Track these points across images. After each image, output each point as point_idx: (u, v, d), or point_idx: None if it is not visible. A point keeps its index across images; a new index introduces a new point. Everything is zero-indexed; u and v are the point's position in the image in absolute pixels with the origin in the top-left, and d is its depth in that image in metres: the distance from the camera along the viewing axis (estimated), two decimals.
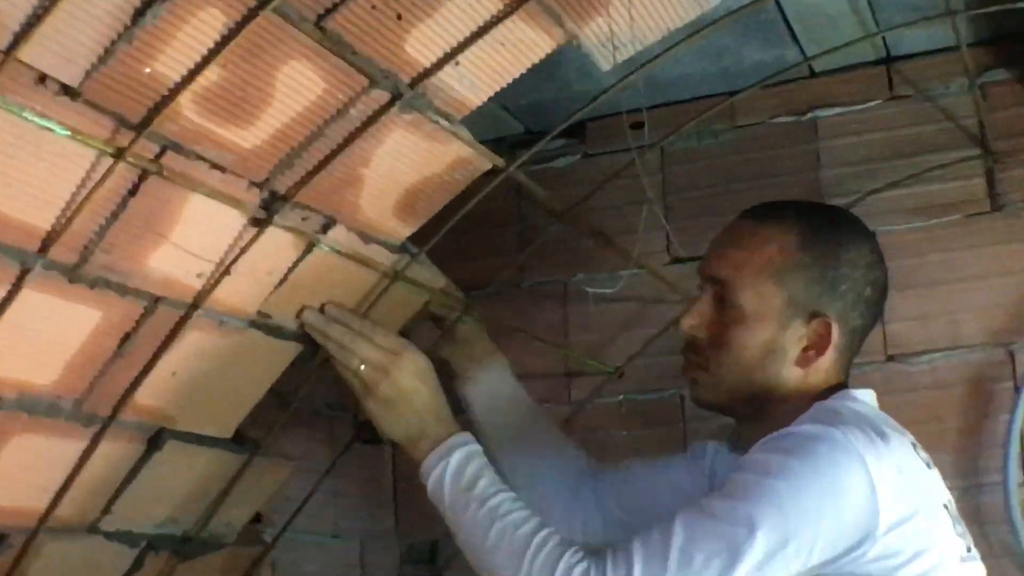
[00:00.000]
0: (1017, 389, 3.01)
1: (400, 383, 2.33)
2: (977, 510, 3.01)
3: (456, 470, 2.25)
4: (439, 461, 2.28)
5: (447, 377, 2.56)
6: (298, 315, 2.40)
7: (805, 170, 3.29)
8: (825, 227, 2.24)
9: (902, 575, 2.02)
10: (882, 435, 2.07)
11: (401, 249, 2.50)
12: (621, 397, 3.35)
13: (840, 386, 2.24)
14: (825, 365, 2.21)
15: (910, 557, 2.02)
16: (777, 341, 2.17)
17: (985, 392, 3.08)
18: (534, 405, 2.80)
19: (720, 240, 2.31)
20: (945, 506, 2.17)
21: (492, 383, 2.72)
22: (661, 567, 1.96)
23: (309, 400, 3.05)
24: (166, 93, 1.86)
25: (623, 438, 3.33)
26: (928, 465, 2.20)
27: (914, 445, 2.20)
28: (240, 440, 2.57)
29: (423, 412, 2.33)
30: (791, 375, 2.20)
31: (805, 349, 2.18)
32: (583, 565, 2.02)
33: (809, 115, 3.31)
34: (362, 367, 2.34)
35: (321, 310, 2.40)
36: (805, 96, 3.32)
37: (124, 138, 1.87)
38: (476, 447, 2.30)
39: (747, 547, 1.94)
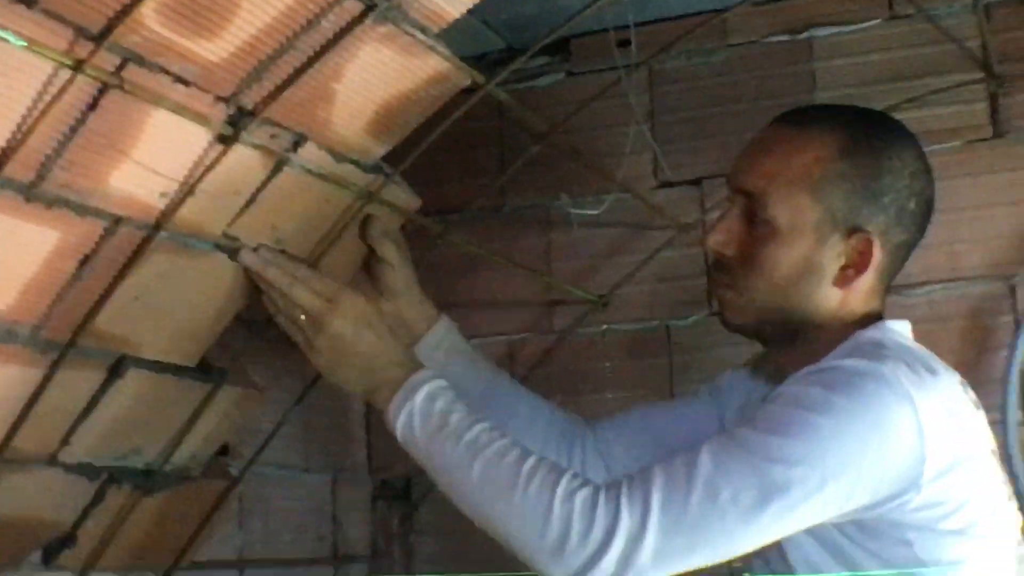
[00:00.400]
0: (1017, 323, 3.02)
1: (340, 331, 2.22)
2: None
3: (423, 411, 2.11)
4: (402, 404, 2.13)
5: None
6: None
7: (800, 92, 3.29)
8: (866, 133, 2.11)
9: (946, 525, 1.97)
10: (932, 371, 2.02)
11: (375, 169, 2.48)
12: (605, 327, 3.35)
13: (877, 316, 2.16)
14: (865, 286, 2.10)
15: (956, 507, 1.96)
16: (813, 258, 2.06)
17: (984, 326, 3.09)
18: (495, 370, 2.60)
19: (750, 148, 2.19)
20: (993, 452, 2.11)
21: (435, 357, 2.46)
22: (683, 499, 1.87)
23: (279, 328, 3.05)
24: (127, 2, 1.83)
25: (606, 370, 3.33)
26: (976, 406, 2.13)
27: (963, 384, 2.13)
28: (206, 368, 2.56)
29: (372, 358, 2.21)
30: (828, 296, 2.09)
31: (844, 267, 2.07)
32: (586, 490, 1.93)
33: (805, 34, 3.30)
34: (302, 317, 2.26)
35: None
36: (801, 14, 3.31)
37: (83, 49, 1.85)
38: (440, 382, 2.16)
39: (781, 485, 1.86)
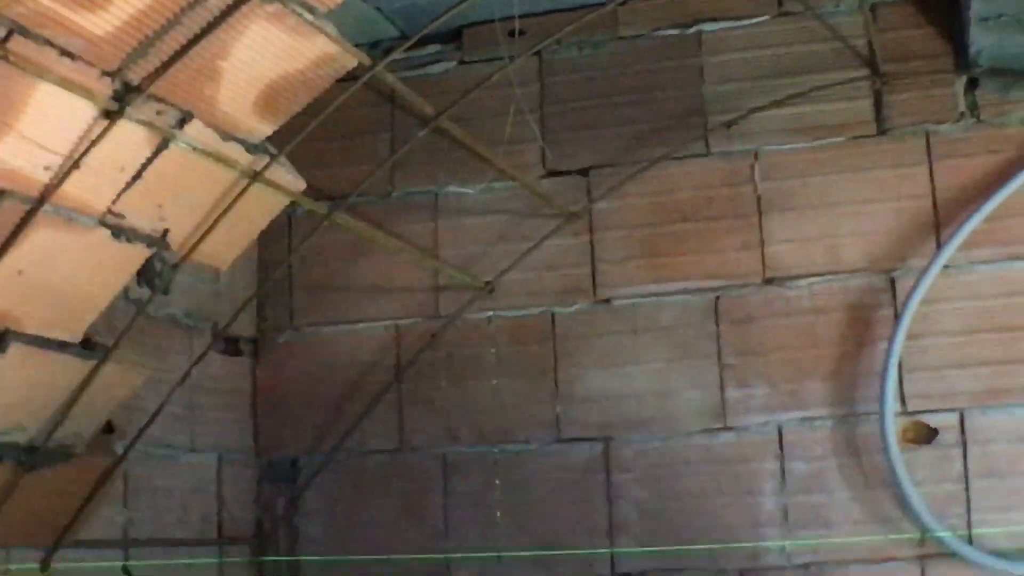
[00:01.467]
0: (897, 317, 3.04)
1: None
2: (853, 440, 3.07)
3: None
4: None
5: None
6: None
7: (688, 85, 3.31)
8: None
9: None
10: None
11: (261, 149, 2.48)
12: (491, 313, 3.36)
13: None
14: None
15: None
16: None
17: (864, 319, 3.13)
18: None
19: None
20: None
21: None
22: None
23: (165, 307, 3.04)
24: None
25: (491, 355, 3.34)
26: None
27: None
28: (89, 345, 2.56)
29: None
30: None
31: None
32: None
33: (694, 28, 3.33)
34: None
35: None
36: (690, 9, 3.34)
37: None
38: None
39: None
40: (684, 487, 3.16)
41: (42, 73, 1.99)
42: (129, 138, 2.21)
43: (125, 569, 3.01)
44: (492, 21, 3.01)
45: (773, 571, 3.07)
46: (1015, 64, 3.05)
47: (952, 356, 3.05)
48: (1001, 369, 3.03)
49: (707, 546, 3.08)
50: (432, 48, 3.44)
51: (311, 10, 2.18)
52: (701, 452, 3.16)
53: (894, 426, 2.99)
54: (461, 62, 3.44)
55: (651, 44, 3.35)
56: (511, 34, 3.18)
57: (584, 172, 3.33)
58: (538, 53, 3.29)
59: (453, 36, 3.43)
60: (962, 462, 3.02)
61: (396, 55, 2.51)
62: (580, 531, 3.24)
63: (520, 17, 3.15)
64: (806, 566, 3.05)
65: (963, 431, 3.03)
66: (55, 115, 2.08)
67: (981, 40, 2.99)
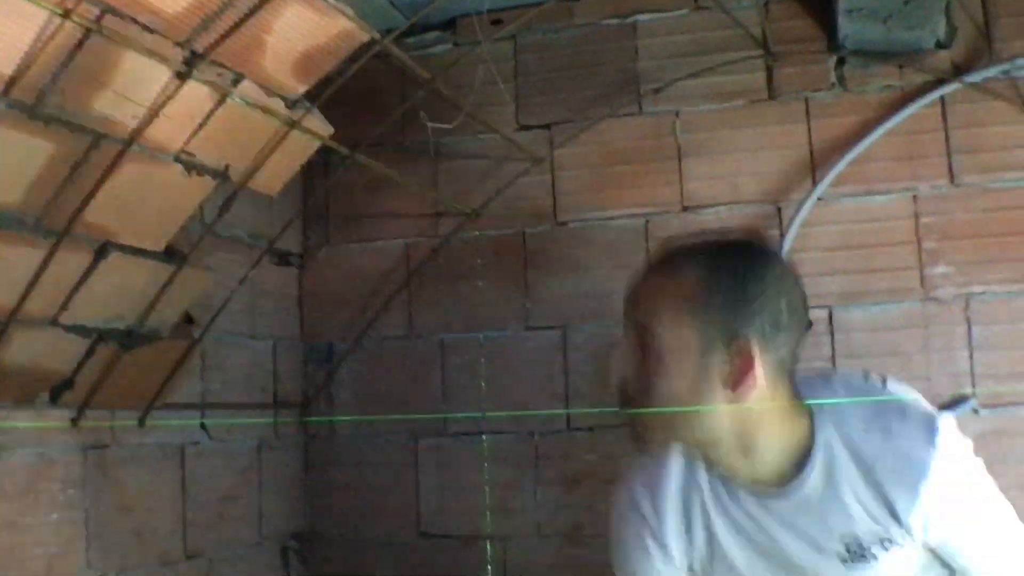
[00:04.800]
0: (782, 236, 3.04)
1: None
2: None
3: None
4: None
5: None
6: None
7: (627, 62, 3.29)
8: (724, 260, 1.80)
9: None
10: None
11: (298, 103, 2.47)
12: (477, 233, 3.35)
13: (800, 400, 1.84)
14: (761, 381, 1.73)
15: None
16: (700, 372, 1.72)
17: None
18: None
19: (633, 286, 1.85)
20: None
21: None
22: None
23: (230, 228, 3.03)
24: None
25: (478, 265, 3.34)
26: None
27: None
28: (171, 253, 2.56)
29: None
30: (725, 399, 1.74)
31: (731, 372, 1.72)
32: None
33: (631, 19, 3.29)
34: None
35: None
36: (629, 3, 3.30)
37: (71, 2, 1.84)
38: None
39: None
40: None
41: (129, 44, 1.97)
42: (196, 94, 2.20)
43: (202, 425, 3.02)
44: (479, 13, 2.99)
45: None
46: (872, 47, 3.02)
47: (823, 267, 3.03)
48: (860, 277, 3.03)
49: None
50: (432, 34, 3.41)
51: None
52: None
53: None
54: (455, 44, 3.40)
55: (598, 30, 3.31)
56: (493, 23, 3.16)
57: (547, 127, 3.31)
58: (513, 37, 3.28)
59: (449, 24, 3.40)
60: (830, 347, 3.03)
61: (400, 30, 2.50)
62: (544, 396, 3.24)
63: (500, 10, 3.19)
64: None
65: (831, 323, 3.03)
66: (139, 76, 2.07)
67: (847, 28, 2.97)
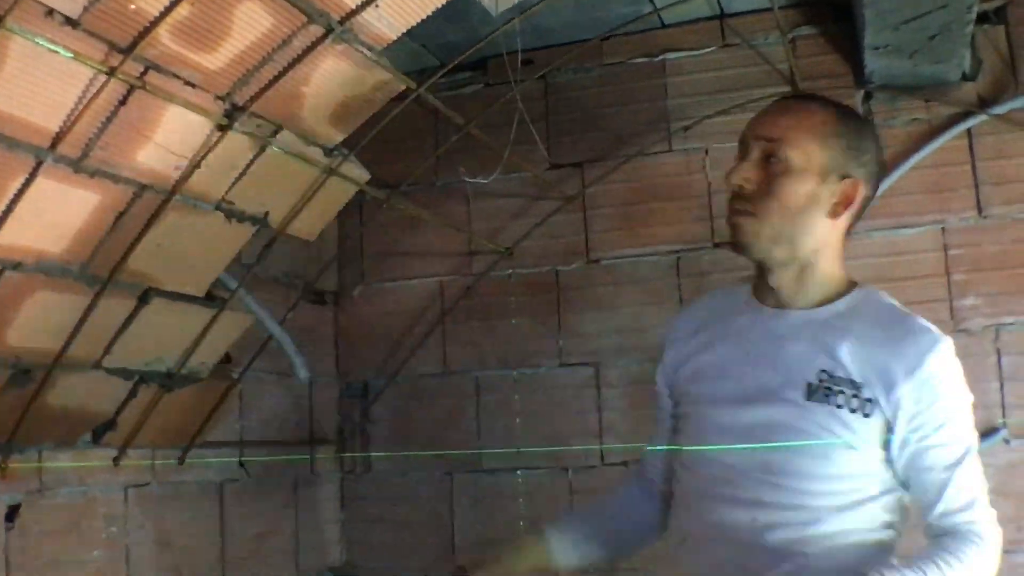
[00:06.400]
0: None
1: None
2: None
3: None
4: None
5: None
6: None
7: (656, 100, 3.31)
8: (851, 112, 2.05)
9: None
10: None
11: (335, 151, 2.50)
12: (510, 271, 3.37)
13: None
14: (843, 225, 1.99)
15: None
16: (815, 192, 1.92)
17: None
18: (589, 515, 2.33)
19: (770, 110, 2.03)
20: None
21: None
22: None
23: (267, 270, 3.06)
24: (148, 24, 1.86)
25: (510, 302, 3.36)
26: None
27: None
28: (211, 297, 2.59)
29: None
30: (822, 225, 1.95)
31: (836, 203, 1.94)
32: (974, 543, 1.88)
33: (660, 57, 3.31)
34: None
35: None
36: (657, 42, 3.32)
37: (115, 59, 1.88)
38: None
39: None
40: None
41: (171, 98, 2.01)
42: (236, 145, 2.23)
43: (240, 463, 3.05)
44: (509, 53, 3.01)
45: None
46: (898, 82, 3.04)
47: None
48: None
49: None
50: (464, 74, 3.43)
51: (370, 48, 2.19)
52: None
53: None
54: (486, 84, 3.43)
55: (628, 69, 3.33)
56: (523, 63, 3.18)
57: (578, 165, 3.33)
58: (543, 77, 3.29)
59: (480, 65, 3.42)
60: None
61: (435, 80, 2.52)
62: (578, 432, 3.26)
63: (530, 50, 3.19)
64: None
65: None
66: (181, 128, 2.11)
67: (873, 64, 2.98)
